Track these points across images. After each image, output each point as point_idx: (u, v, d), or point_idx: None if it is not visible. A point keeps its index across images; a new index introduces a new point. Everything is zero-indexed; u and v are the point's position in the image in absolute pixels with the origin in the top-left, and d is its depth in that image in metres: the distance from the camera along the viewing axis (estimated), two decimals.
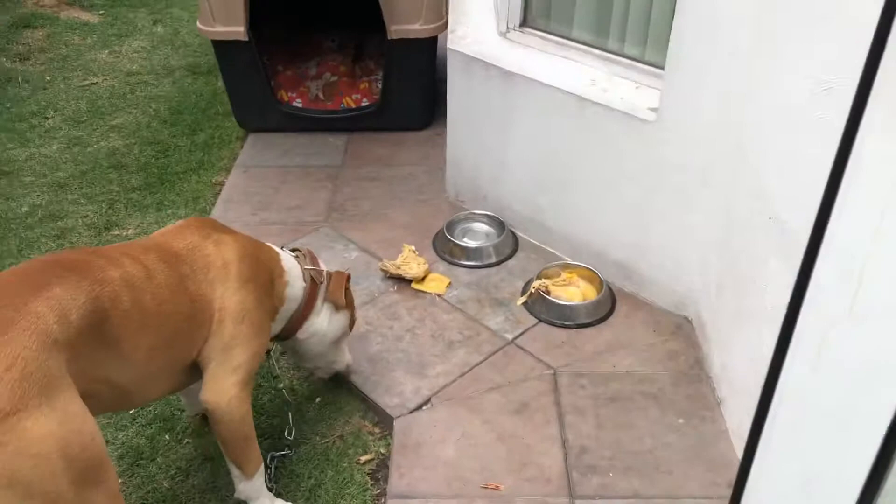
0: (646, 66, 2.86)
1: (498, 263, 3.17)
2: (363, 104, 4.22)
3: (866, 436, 0.70)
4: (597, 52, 3.01)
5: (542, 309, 2.88)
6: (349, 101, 4.23)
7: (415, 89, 4.07)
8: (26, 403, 1.48)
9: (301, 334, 2.34)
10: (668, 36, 2.54)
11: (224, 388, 2.00)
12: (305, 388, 2.67)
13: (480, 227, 3.36)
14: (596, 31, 3.02)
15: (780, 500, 0.88)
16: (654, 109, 2.68)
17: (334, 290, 2.38)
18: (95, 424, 1.64)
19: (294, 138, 4.14)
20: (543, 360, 2.70)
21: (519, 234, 3.32)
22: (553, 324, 2.85)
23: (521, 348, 2.75)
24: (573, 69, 3.03)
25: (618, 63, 2.95)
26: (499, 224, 3.31)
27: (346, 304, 2.42)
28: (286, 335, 2.34)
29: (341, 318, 2.45)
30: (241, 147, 4.12)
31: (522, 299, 2.95)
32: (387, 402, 2.54)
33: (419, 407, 2.52)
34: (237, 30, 3.81)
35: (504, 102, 3.13)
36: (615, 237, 2.97)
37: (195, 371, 2.05)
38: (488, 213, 3.37)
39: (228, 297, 2.01)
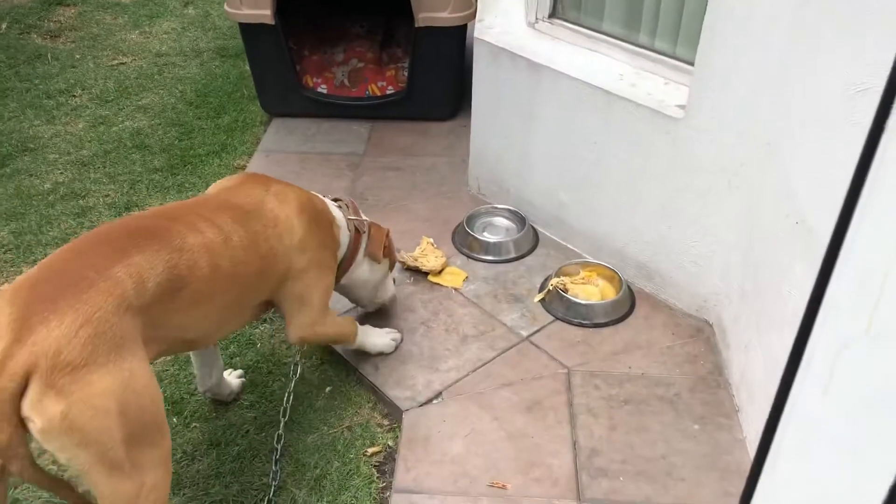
0: (676, 62, 2.79)
1: (517, 259, 3.12)
2: (388, 92, 4.18)
3: (879, 467, 0.64)
4: (626, 45, 2.94)
5: (559, 307, 2.83)
6: (374, 89, 4.19)
7: (441, 79, 4.01)
8: (95, 360, 1.60)
9: (345, 280, 2.53)
10: (700, 31, 2.46)
11: (307, 327, 2.29)
12: (316, 377, 2.65)
13: (501, 221, 3.31)
14: (626, 24, 2.95)
15: None
16: (682, 107, 2.61)
17: (373, 245, 2.56)
18: (158, 389, 1.76)
19: (317, 124, 4.11)
20: (558, 358, 2.65)
21: (540, 229, 3.27)
22: (570, 322, 2.79)
23: (536, 346, 2.70)
24: (601, 63, 2.96)
25: (647, 58, 2.88)
26: (520, 219, 3.26)
27: (385, 258, 2.61)
28: (335, 279, 2.48)
29: (382, 267, 2.65)
30: (265, 131, 4.11)
31: (540, 296, 2.90)
32: (397, 394, 2.51)
33: (429, 401, 2.49)
34: (264, 13, 3.79)
35: (530, 95, 3.07)
36: (637, 236, 2.90)
37: (265, 308, 2.30)
38: (509, 207, 3.32)
39: (295, 249, 2.19)
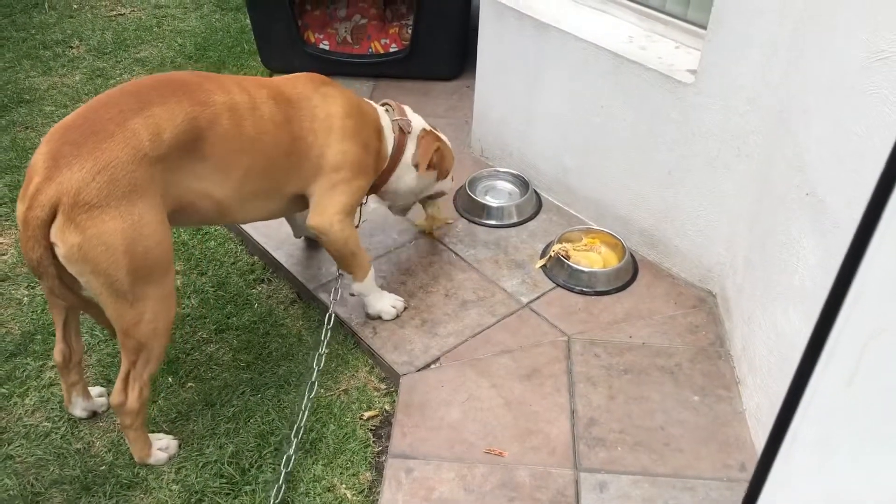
0: (688, 25, 2.71)
1: (519, 224, 3.07)
2: (392, 50, 4.09)
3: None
4: (637, 7, 2.86)
5: (561, 273, 2.79)
6: (377, 46, 4.10)
7: (446, 37, 3.92)
8: (109, 202, 1.82)
9: (387, 189, 2.60)
10: None
11: (326, 215, 2.31)
12: (312, 340, 2.62)
13: (504, 185, 3.25)
14: None
15: None
16: (692, 71, 2.54)
17: (421, 152, 2.57)
18: (166, 235, 1.96)
19: None
20: (558, 326, 2.62)
21: (543, 194, 3.21)
22: (571, 289, 2.76)
23: (536, 313, 2.67)
24: (610, 24, 2.88)
25: (658, 20, 2.80)
26: (523, 183, 3.21)
27: (431, 168, 2.62)
28: (377, 186, 2.58)
29: (428, 175, 2.65)
30: None
31: (541, 262, 2.86)
32: (394, 358, 2.48)
33: (427, 366, 2.47)
34: None
35: (536, 55, 3.00)
36: (642, 204, 2.85)
37: (297, 202, 2.38)
38: (512, 171, 3.26)
39: (329, 147, 2.27)
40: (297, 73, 2.39)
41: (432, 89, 4.01)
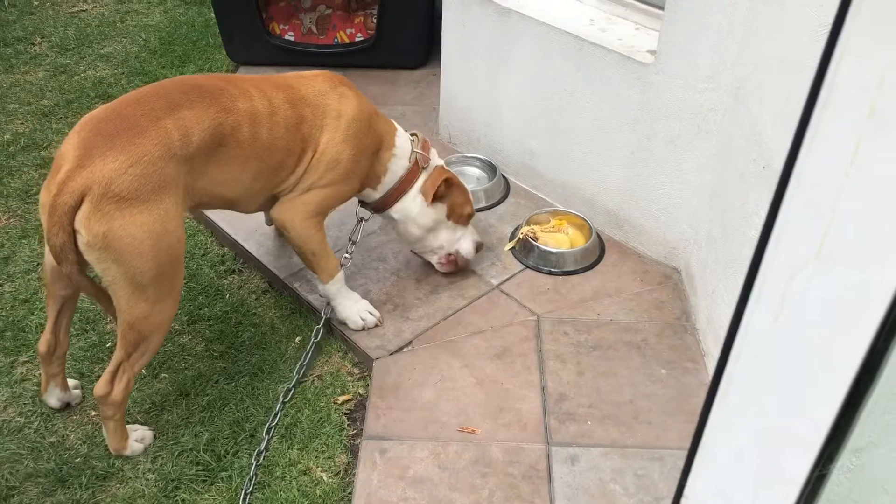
0: (646, 6, 2.76)
1: (488, 208, 3.11)
2: (357, 39, 4.10)
3: (828, 390, 0.65)
4: None
5: (530, 255, 2.83)
6: (343, 36, 4.11)
7: (411, 25, 3.94)
8: (139, 196, 1.88)
9: (394, 213, 2.56)
10: None
11: (291, 211, 2.33)
12: (285, 327, 2.64)
13: (472, 170, 3.28)
14: None
15: (735, 456, 0.84)
16: (652, 52, 2.58)
17: (428, 182, 2.55)
18: (184, 232, 2.03)
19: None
20: (528, 306, 2.66)
21: (511, 178, 3.25)
22: (539, 270, 2.80)
23: (506, 294, 2.71)
24: (571, 7, 2.92)
25: (618, 2, 2.85)
26: (490, 168, 3.24)
27: (437, 199, 2.56)
28: (382, 207, 2.57)
29: (436, 211, 2.58)
30: None
31: (510, 245, 2.90)
32: (367, 343, 2.51)
33: (400, 349, 2.49)
34: None
35: (499, 41, 3.03)
36: (607, 184, 2.90)
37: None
38: (480, 156, 3.30)
39: (330, 144, 2.30)
40: (316, 71, 2.43)
41: (399, 78, 4.03)
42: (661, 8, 2.63)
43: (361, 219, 2.64)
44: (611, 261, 2.87)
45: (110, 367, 2.07)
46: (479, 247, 2.71)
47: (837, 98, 0.62)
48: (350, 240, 2.64)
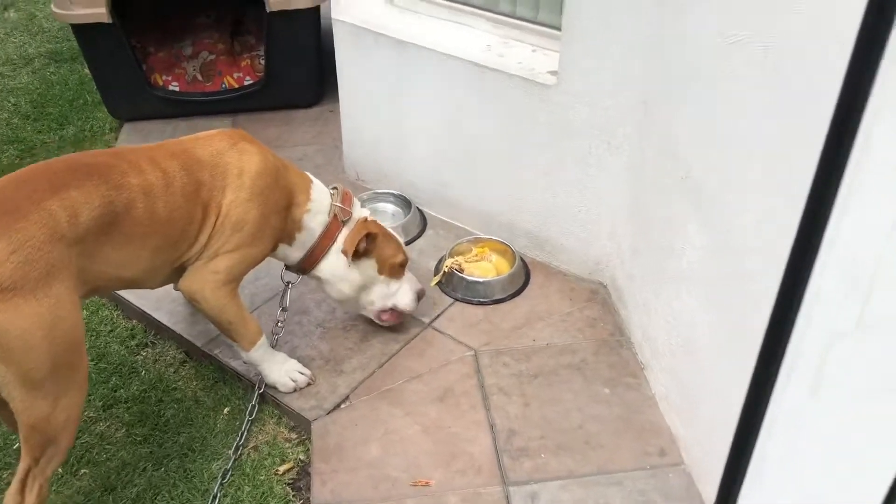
0: (541, 28, 2.76)
1: (407, 244, 3.03)
2: (246, 83, 3.96)
3: (877, 465, 0.61)
4: (489, 14, 2.89)
5: (457, 287, 2.77)
6: (231, 81, 3.96)
7: (301, 64, 3.84)
8: (24, 285, 1.70)
9: (319, 273, 2.41)
10: None
11: (200, 282, 2.17)
12: (210, 399, 2.48)
13: (386, 206, 3.21)
14: None
15: None
16: (553, 73, 2.58)
17: (348, 239, 2.38)
18: (81, 318, 1.85)
19: (173, 125, 3.85)
20: (463, 341, 2.59)
21: (426, 210, 3.19)
22: (469, 302, 2.74)
23: (439, 331, 2.64)
24: (466, 35, 2.90)
25: (512, 25, 2.84)
26: (405, 202, 3.17)
27: (361, 255, 2.40)
28: (304, 268, 2.42)
29: (364, 267, 2.43)
30: (116, 139, 3.81)
31: (436, 279, 2.83)
32: (301, 404, 2.38)
33: (337, 406, 2.38)
34: (98, 11, 3.48)
35: (399, 73, 2.97)
36: (524, 207, 2.88)
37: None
38: (393, 191, 3.22)
39: (233, 205, 2.15)
40: (214, 131, 2.28)
41: (294, 118, 3.91)
42: (558, 28, 2.64)
43: (288, 283, 2.51)
44: (537, 283, 2.84)
45: (18, 474, 1.86)
46: (420, 295, 2.59)
47: (875, 158, 0.57)
48: (280, 306, 2.51)
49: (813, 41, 1.41)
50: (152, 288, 2.26)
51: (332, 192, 2.43)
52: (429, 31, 2.91)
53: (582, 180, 2.66)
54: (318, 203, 2.37)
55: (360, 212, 2.49)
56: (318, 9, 3.74)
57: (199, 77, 3.96)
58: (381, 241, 2.44)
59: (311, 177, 2.42)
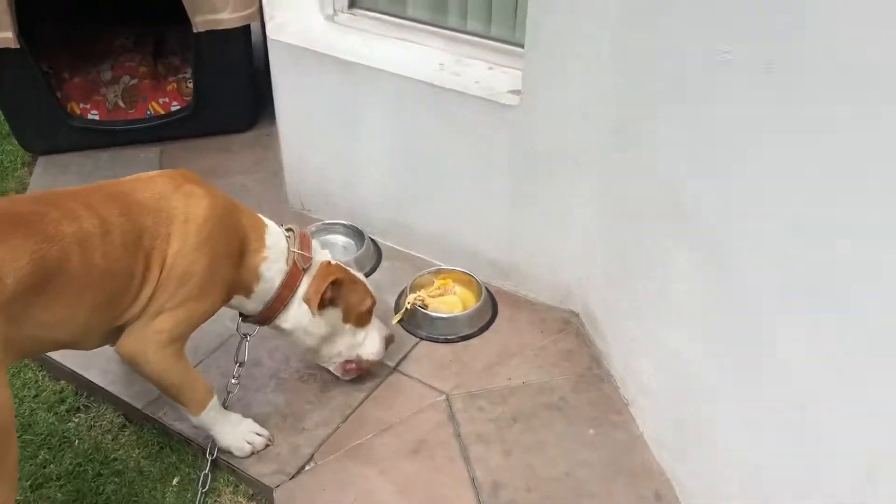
0: (497, 44, 2.60)
1: None
2: (174, 108, 3.67)
3: None
4: (439, 31, 2.71)
5: (422, 325, 2.58)
6: (156, 107, 3.67)
7: (232, 86, 3.59)
8: None
9: (281, 322, 2.16)
10: (514, 8, 2.28)
11: (141, 343, 1.91)
12: (157, 469, 2.21)
13: (337, 238, 2.99)
14: (433, 7, 2.72)
15: None
16: (516, 92, 2.42)
17: (311, 288, 2.14)
18: (9, 395, 1.62)
19: (95, 157, 3.54)
20: (433, 384, 2.40)
21: (381, 241, 2.98)
22: (436, 340, 2.55)
23: (406, 375, 2.44)
24: (417, 53, 2.71)
25: (463, 42, 2.67)
26: (356, 233, 2.96)
27: (326, 305, 2.16)
28: (263, 320, 2.18)
29: (329, 317, 2.20)
30: (30, 174, 3.47)
31: (398, 317, 2.63)
32: (260, 470, 2.14)
33: (301, 469, 2.15)
34: (5, 36, 3.15)
35: (346, 96, 2.76)
36: (487, 233, 2.71)
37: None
38: (343, 221, 3.00)
39: (179, 255, 1.90)
40: (157, 171, 2.03)
41: (230, 144, 3.65)
42: (513, 44, 2.49)
43: (245, 335, 2.26)
44: (506, 315, 2.67)
45: None
46: (388, 341, 2.37)
47: None
48: (236, 360, 2.26)
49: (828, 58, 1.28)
50: (88, 349, 1.99)
51: (287, 234, 2.19)
52: (376, 50, 2.71)
53: (549, 204, 2.50)
54: (275, 249, 2.12)
55: (320, 255, 2.26)
56: (248, 27, 3.50)
57: (121, 104, 3.65)
58: (347, 288, 2.21)
59: (265, 219, 2.17)
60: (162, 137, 3.63)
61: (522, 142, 2.45)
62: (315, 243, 2.25)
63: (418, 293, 2.65)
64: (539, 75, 2.31)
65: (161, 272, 1.91)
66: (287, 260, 2.14)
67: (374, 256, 2.91)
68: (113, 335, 1.96)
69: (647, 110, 1.99)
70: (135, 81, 3.73)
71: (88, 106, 3.60)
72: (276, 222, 2.22)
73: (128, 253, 1.84)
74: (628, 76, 2.07)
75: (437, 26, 2.74)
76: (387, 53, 2.71)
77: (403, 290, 2.70)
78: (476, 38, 2.65)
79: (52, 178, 3.41)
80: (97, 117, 3.59)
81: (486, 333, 2.59)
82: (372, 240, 2.95)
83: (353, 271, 2.30)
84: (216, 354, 2.51)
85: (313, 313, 2.14)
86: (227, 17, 3.36)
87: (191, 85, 3.62)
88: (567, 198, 2.45)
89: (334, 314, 2.21)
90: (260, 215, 2.17)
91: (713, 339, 1.82)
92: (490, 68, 2.61)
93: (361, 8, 2.89)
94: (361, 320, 2.27)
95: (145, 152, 3.57)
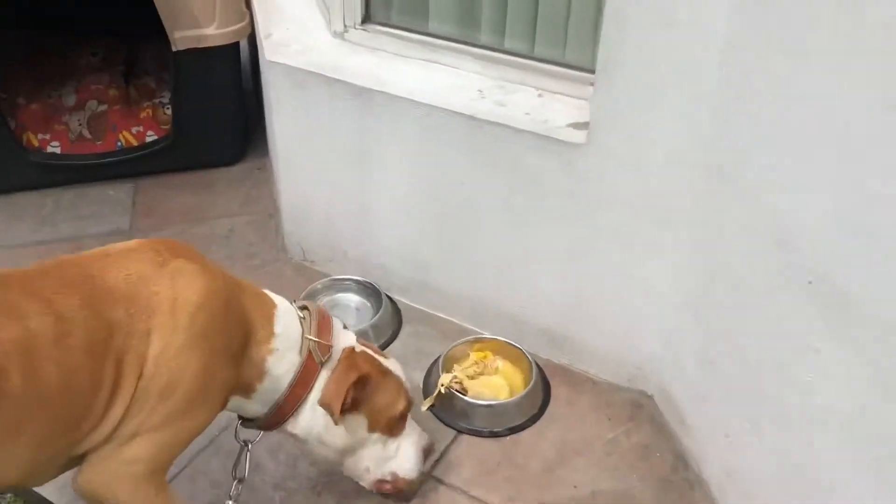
0: (550, 67, 2.13)
1: (382, 348, 2.31)
2: (149, 139, 3.16)
3: None
4: (474, 50, 2.24)
5: (460, 414, 2.08)
6: (128, 138, 3.15)
7: (218, 113, 3.10)
8: None
9: (292, 429, 1.66)
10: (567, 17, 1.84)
11: (107, 475, 1.41)
12: None
13: (349, 298, 2.49)
14: (462, 21, 2.25)
15: None
16: (580, 126, 1.95)
17: (330, 389, 1.61)
18: None
19: (56, 197, 3.02)
20: (479, 496, 1.90)
21: (401, 300, 2.49)
22: (479, 433, 2.06)
23: (444, 483, 1.94)
24: (447, 77, 2.24)
25: (509, 64, 2.19)
26: (372, 292, 2.46)
27: (356, 413, 1.67)
28: (270, 425, 1.67)
29: (351, 425, 1.68)
30: None
31: (428, 402, 2.13)
32: None
33: None
34: None
35: (361, 128, 2.28)
36: (537, 295, 2.23)
37: None
38: (354, 277, 2.50)
39: (163, 356, 1.41)
40: (136, 242, 1.53)
41: (215, 180, 3.15)
42: (566, 66, 2.04)
43: (246, 443, 1.74)
44: (562, 397, 2.19)
45: None
46: (427, 452, 1.85)
47: None
48: (234, 476, 1.74)
49: None
50: (38, 486, 1.47)
51: (301, 315, 1.68)
52: (400, 75, 2.23)
53: (621, 263, 2.04)
54: (286, 338, 1.60)
55: (344, 341, 1.73)
56: (237, 45, 3.01)
57: (87, 134, 3.13)
58: (374, 388, 1.68)
59: (273, 296, 1.65)
60: (135, 173, 3.12)
61: (588, 187, 1.98)
62: (338, 325, 1.74)
63: (454, 374, 2.15)
64: (613, 106, 1.84)
65: (138, 382, 1.39)
66: (301, 350, 1.63)
67: (394, 321, 2.41)
68: (74, 462, 1.45)
69: (765, 156, 1.52)
70: (103, 107, 3.20)
71: (48, 137, 3.07)
72: (283, 291, 1.71)
73: (92, 360, 1.34)
74: (733, 112, 1.60)
75: (468, 43, 2.26)
76: (410, 77, 2.23)
77: (433, 365, 2.21)
78: (519, 59, 2.18)
79: (4, 223, 2.89)
80: (58, 150, 3.07)
81: (540, 422, 2.11)
82: (390, 299, 2.45)
83: (382, 359, 1.79)
84: (204, 456, 1.99)
85: (335, 422, 1.62)
86: (213, 34, 2.87)
87: (169, 111, 3.13)
88: (645, 259, 1.98)
89: (358, 421, 1.69)
90: (267, 291, 1.66)
91: (864, 449, 1.35)
92: (539, 95, 2.14)
93: (376, 23, 2.40)
94: (393, 428, 1.76)
95: (115, 190, 3.06)
